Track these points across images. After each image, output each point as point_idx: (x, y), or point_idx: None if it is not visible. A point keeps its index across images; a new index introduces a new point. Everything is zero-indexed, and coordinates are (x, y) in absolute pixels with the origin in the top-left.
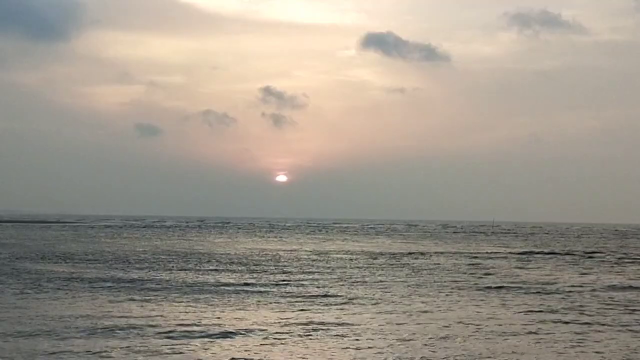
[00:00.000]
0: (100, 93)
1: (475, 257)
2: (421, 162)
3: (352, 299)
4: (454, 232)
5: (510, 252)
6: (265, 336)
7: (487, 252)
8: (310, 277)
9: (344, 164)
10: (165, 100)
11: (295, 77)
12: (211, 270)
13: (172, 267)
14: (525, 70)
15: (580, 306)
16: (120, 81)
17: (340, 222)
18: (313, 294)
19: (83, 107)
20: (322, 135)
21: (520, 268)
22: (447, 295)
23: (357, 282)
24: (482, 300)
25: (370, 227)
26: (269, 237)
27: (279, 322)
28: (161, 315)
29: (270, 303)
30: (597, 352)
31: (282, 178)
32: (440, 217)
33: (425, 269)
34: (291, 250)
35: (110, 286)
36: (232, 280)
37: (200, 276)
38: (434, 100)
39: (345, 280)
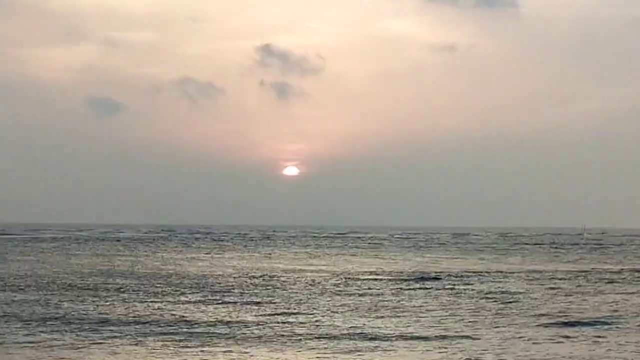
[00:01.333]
0: (40, 57)
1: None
2: (476, 148)
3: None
4: (524, 244)
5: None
6: None
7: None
8: (339, 317)
9: (374, 152)
10: (129, 65)
11: (305, 31)
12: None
13: (131, 297)
14: (622, 17)
15: None
16: (68, 40)
17: (367, 229)
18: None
19: (17, 75)
20: (343, 111)
21: None
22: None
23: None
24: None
25: (406, 237)
26: (271, 251)
27: None
28: None
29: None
30: None
31: (290, 171)
32: (498, 223)
33: (508, 298)
34: (308, 271)
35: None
36: (214, 316)
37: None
38: (496, 62)
39: (401, 318)
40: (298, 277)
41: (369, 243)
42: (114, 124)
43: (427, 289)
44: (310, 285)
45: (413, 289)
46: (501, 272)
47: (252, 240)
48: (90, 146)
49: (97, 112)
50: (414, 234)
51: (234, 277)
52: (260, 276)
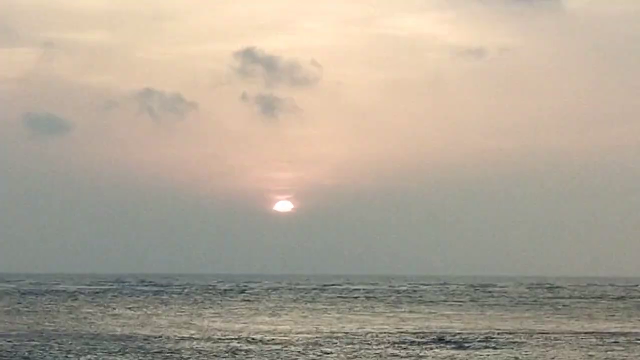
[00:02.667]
0: None
1: None
2: (515, 174)
3: None
4: (568, 298)
5: None
6: None
7: None
8: None
9: (383, 181)
10: (75, 73)
11: (297, 31)
12: None
13: None
14: None
15: None
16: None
17: (373, 278)
18: None
19: None
20: (345, 130)
21: None
22: None
23: None
24: None
25: (416, 288)
26: (254, 307)
27: None
28: None
29: None
30: None
31: (283, 205)
32: (526, 272)
33: None
34: (303, 333)
35: None
36: None
37: None
38: (534, 69)
39: None
40: (293, 342)
41: (378, 296)
42: (55, 146)
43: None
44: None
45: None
46: (546, 334)
47: (230, 292)
48: (24, 175)
49: (34, 131)
50: (424, 284)
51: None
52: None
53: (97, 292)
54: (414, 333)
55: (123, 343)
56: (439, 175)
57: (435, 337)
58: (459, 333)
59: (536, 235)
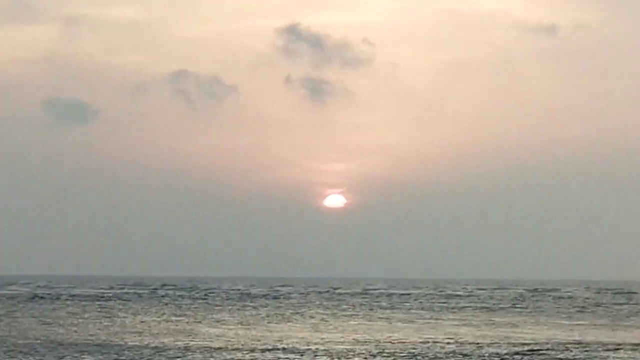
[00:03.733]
0: None
1: None
2: (585, 166)
3: None
4: None
5: None
6: None
7: None
8: None
9: (448, 173)
10: (102, 53)
11: (348, 6)
12: None
13: None
14: None
15: None
16: (16, 19)
17: (436, 283)
18: None
19: None
20: (403, 116)
21: None
22: None
23: None
24: None
25: (473, 294)
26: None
27: None
28: None
29: None
30: None
31: (334, 200)
32: (593, 275)
33: None
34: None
35: None
36: None
37: None
38: (614, 48)
39: None
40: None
41: (441, 302)
42: (80, 135)
43: None
44: None
45: None
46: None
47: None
48: (45, 166)
49: (58, 119)
50: (482, 289)
51: None
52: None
53: (142, 296)
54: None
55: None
56: (507, 168)
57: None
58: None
59: (616, 234)
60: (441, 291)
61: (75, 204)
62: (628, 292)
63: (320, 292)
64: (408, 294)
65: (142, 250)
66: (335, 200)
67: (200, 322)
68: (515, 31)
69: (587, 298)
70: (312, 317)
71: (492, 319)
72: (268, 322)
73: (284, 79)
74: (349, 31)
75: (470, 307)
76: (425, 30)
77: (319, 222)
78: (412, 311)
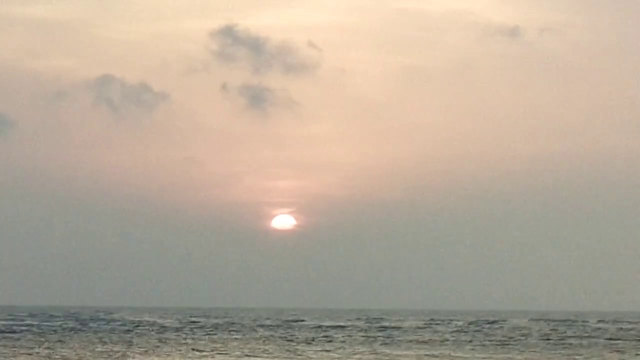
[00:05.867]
0: None
1: None
2: (557, 184)
3: None
4: None
5: None
6: None
7: None
8: None
9: (405, 190)
10: (16, 57)
11: (291, 5)
12: None
13: None
14: None
15: None
16: None
17: (400, 313)
18: None
19: None
20: (355, 128)
21: None
22: None
23: None
24: None
25: (459, 327)
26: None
27: None
28: None
29: None
30: None
31: (283, 221)
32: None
33: None
34: None
35: None
36: None
37: None
38: (587, 51)
39: None
40: None
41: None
42: None
43: None
44: None
45: None
46: None
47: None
48: None
49: None
50: (476, 322)
51: None
52: None
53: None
54: None
55: None
56: (467, 182)
57: None
58: None
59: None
60: (377, 323)
61: None
62: (582, 322)
63: (231, 324)
64: (341, 327)
65: (49, 276)
66: (284, 221)
67: None
68: (474, 33)
69: (540, 329)
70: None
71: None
72: None
73: (220, 86)
74: (292, 33)
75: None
76: (377, 32)
77: (266, 246)
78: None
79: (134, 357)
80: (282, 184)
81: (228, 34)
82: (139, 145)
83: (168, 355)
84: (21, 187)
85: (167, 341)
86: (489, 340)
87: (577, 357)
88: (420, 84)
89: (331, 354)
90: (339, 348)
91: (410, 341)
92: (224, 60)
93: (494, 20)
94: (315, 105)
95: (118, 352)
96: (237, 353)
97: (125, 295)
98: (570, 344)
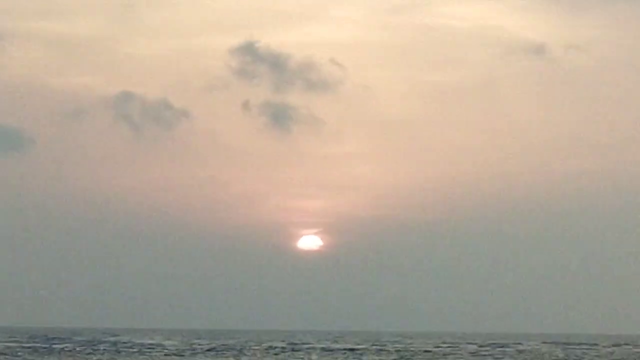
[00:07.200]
0: None
1: None
2: (590, 205)
3: None
4: None
5: None
6: None
7: None
8: None
9: (435, 211)
10: (32, 73)
11: (313, 22)
12: None
13: None
14: None
15: None
16: None
17: (430, 336)
18: None
19: None
20: (382, 148)
21: None
22: None
23: None
24: None
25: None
26: None
27: None
28: None
29: None
30: None
31: (309, 242)
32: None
33: None
34: None
35: None
36: None
37: None
38: (614, 69)
39: None
40: None
41: None
42: (5, 166)
43: None
44: None
45: None
46: None
47: None
48: None
49: None
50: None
51: None
52: None
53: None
54: None
55: None
56: (497, 206)
57: None
58: None
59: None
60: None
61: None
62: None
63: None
64: (351, 350)
65: (75, 296)
66: (310, 241)
67: None
68: (502, 50)
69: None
70: None
71: None
72: None
73: (242, 104)
74: (314, 50)
75: None
76: (401, 49)
77: (291, 267)
78: None
79: None
80: (308, 203)
81: (249, 50)
82: (159, 164)
83: None
84: (38, 204)
85: None
86: None
87: None
88: (445, 102)
89: None
90: None
91: None
92: (245, 78)
93: (521, 37)
94: (339, 123)
95: None
96: None
97: (147, 317)
98: None
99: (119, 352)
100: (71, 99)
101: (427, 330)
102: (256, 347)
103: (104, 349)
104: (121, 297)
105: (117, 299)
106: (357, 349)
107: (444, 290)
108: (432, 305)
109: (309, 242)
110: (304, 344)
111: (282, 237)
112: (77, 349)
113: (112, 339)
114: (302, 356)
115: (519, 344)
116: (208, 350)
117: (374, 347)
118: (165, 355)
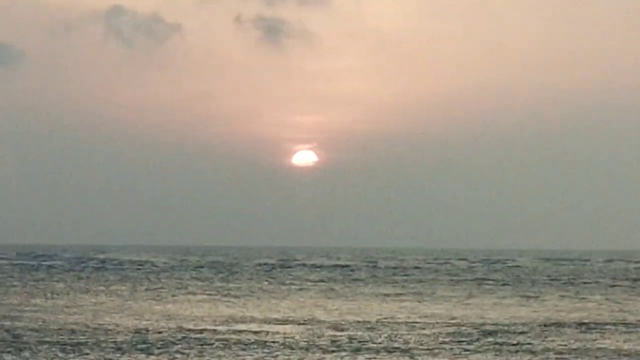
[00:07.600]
0: None
1: None
2: (580, 121)
3: None
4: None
5: None
6: None
7: None
8: None
9: (433, 124)
10: None
11: None
12: None
13: None
14: None
15: None
16: None
17: (421, 252)
18: None
19: None
20: (376, 61)
21: None
22: None
23: None
24: None
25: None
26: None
27: None
28: None
29: None
30: None
31: (304, 157)
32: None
33: None
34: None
35: None
36: None
37: None
38: None
39: None
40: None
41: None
42: (2, 79)
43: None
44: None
45: None
46: None
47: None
48: None
49: None
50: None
51: None
52: None
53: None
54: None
55: None
56: (491, 119)
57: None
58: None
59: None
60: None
61: None
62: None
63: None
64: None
65: (64, 213)
66: (305, 157)
67: None
68: None
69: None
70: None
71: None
72: None
73: (234, 18)
74: None
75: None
76: None
77: (286, 183)
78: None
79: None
80: (302, 119)
81: None
82: (151, 79)
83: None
84: (25, 120)
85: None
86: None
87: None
88: (438, 13)
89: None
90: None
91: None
92: None
93: None
94: (331, 38)
95: None
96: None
97: (138, 234)
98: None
99: (107, 269)
100: (61, 13)
101: (421, 247)
102: (246, 264)
103: (93, 266)
104: (111, 214)
105: (106, 215)
106: (349, 265)
107: (438, 207)
108: (426, 222)
109: (303, 157)
110: (294, 260)
111: (276, 152)
112: (66, 266)
113: (101, 256)
114: (292, 272)
115: (511, 260)
116: (197, 267)
117: (364, 264)
118: (152, 272)
